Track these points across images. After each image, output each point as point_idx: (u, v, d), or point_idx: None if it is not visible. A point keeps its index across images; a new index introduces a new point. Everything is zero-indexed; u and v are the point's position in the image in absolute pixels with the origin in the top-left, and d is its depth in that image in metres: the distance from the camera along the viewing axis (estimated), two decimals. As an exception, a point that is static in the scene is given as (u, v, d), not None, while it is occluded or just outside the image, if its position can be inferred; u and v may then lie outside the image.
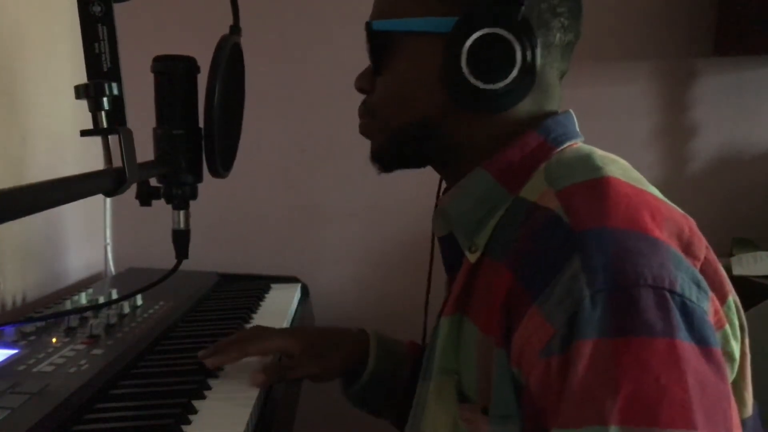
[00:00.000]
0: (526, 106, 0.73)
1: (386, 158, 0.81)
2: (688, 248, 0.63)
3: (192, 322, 1.25)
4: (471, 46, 0.69)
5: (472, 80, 0.70)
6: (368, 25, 0.77)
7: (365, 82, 0.80)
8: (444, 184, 0.84)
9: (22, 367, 0.90)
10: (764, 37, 1.65)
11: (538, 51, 0.69)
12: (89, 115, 0.67)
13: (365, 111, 0.81)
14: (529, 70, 0.69)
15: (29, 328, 1.05)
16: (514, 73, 0.69)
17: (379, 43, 0.76)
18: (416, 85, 0.75)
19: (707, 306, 0.60)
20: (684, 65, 1.81)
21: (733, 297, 0.66)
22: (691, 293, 0.59)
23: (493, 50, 0.69)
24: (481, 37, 0.69)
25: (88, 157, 1.33)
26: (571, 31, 0.74)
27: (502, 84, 0.69)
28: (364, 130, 0.82)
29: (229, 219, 1.79)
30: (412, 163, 0.81)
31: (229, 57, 0.82)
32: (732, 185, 1.84)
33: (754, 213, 1.82)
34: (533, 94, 0.73)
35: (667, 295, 0.57)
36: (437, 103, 0.73)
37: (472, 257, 0.72)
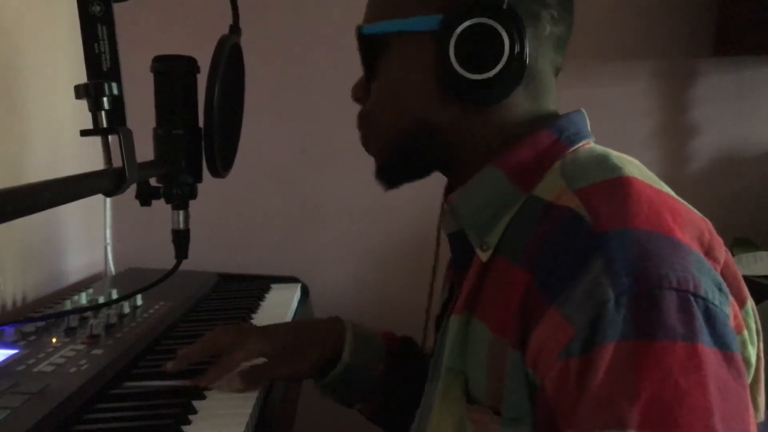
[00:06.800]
0: (523, 103, 0.73)
1: (390, 171, 0.80)
2: (709, 251, 0.62)
3: (192, 322, 1.25)
4: (459, 38, 0.69)
5: (462, 71, 0.69)
6: (359, 30, 0.76)
7: (360, 90, 0.80)
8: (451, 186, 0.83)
9: (22, 367, 0.90)
10: (764, 37, 1.65)
11: (527, 40, 0.69)
12: (89, 115, 0.66)
13: (361, 119, 0.81)
14: (518, 58, 0.69)
15: (29, 328, 1.05)
16: (503, 61, 0.68)
17: (370, 47, 0.76)
18: (410, 86, 0.74)
19: (728, 310, 0.59)
20: (684, 65, 1.81)
21: (750, 302, 0.65)
22: (714, 297, 0.57)
23: (480, 40, 0.69)
24: (468, 28, 0.69)
25: (88, 157, 1.33)
26: (561, 24, 0.74)
27: (492, 73, 0.69)
28: (364, 142, 0.82)
29: (229, 219, 1.79)
30: (417, 171, 0.80)
31: (229, 57, 0.82)
32: (732, 185, 1.84)
33: (754, 213, 1.82)
34: (528, 88, 0.72)
35: (691, 298, 0.56)
36: (434, 103, 0.73)
37: (483, 256, 0.71)
